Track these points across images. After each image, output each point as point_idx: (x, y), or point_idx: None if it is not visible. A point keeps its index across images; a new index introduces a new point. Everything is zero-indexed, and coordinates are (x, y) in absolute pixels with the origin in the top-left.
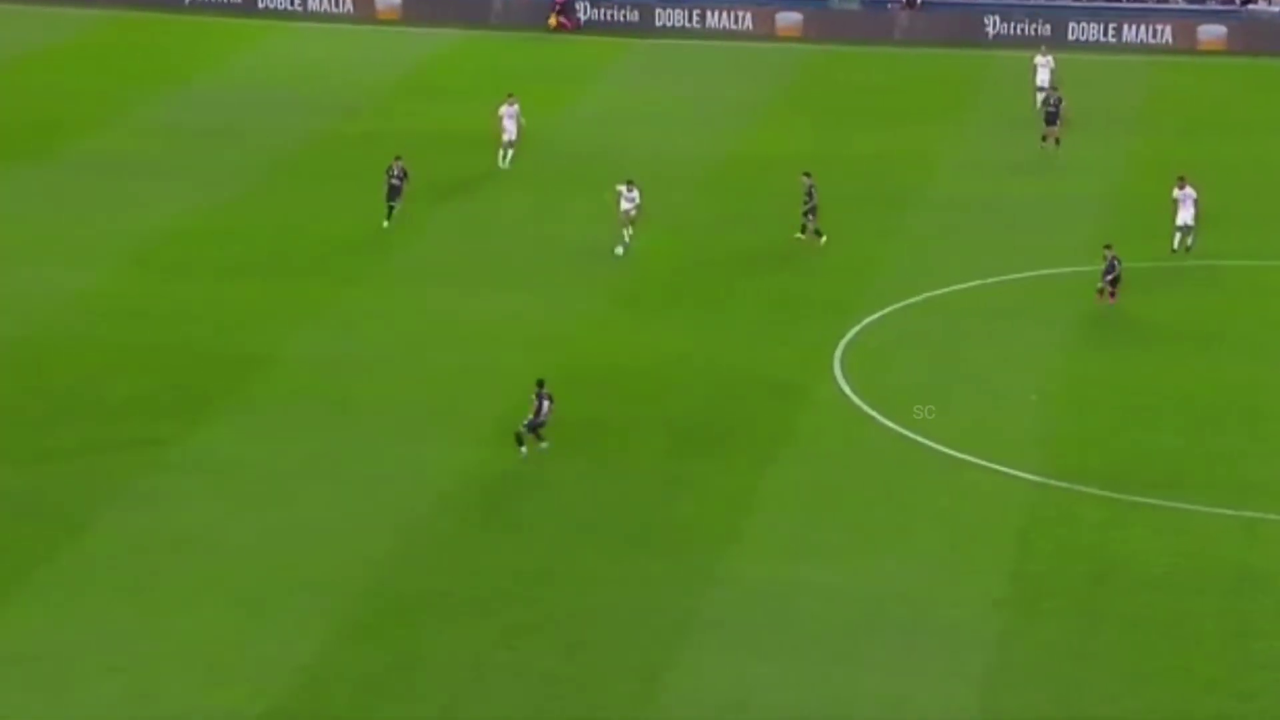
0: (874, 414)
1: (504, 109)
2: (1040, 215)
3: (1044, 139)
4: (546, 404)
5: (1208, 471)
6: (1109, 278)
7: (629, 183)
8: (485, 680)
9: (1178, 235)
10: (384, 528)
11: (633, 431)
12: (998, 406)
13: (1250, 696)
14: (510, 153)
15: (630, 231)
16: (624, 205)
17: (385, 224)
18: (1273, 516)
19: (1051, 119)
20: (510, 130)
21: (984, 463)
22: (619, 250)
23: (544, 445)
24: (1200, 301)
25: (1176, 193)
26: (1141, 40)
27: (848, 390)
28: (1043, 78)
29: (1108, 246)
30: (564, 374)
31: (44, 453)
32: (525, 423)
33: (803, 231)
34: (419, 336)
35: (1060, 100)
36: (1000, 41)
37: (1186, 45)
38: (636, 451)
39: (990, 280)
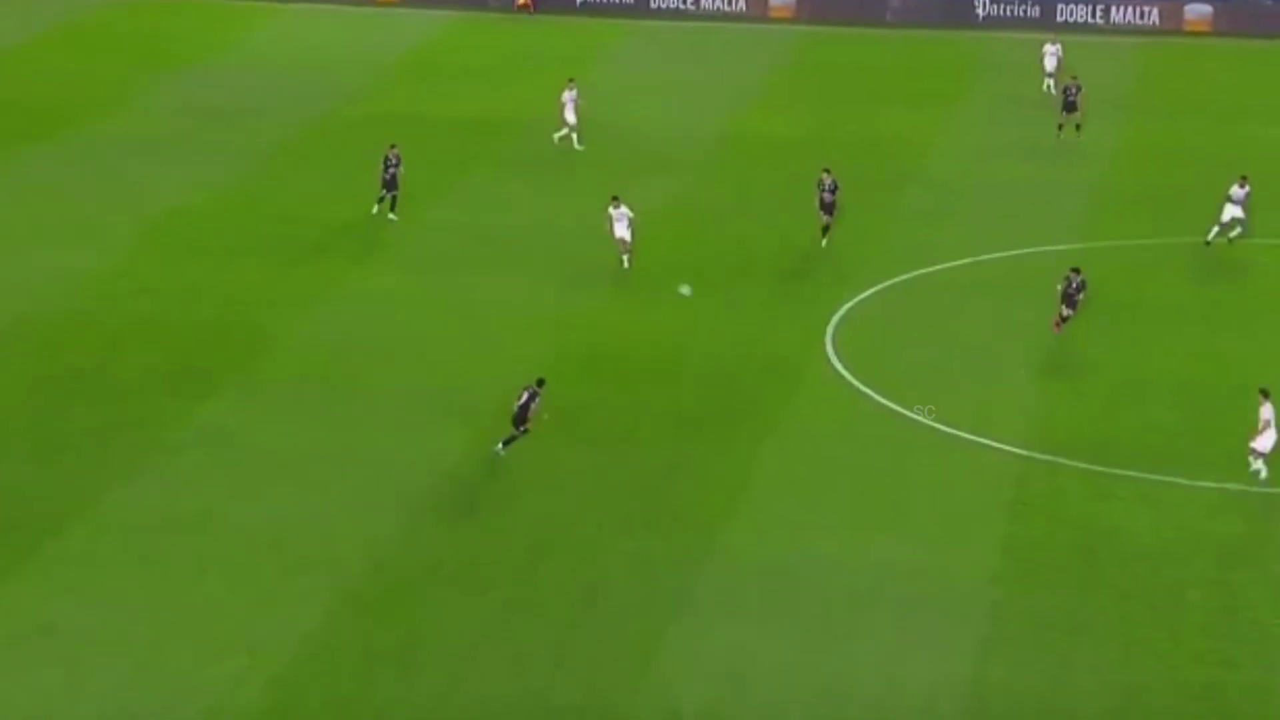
0: (867, 390)
1: (565, 94)
2: (1032, 196)
3: (1061, 126)
4: (525, 395)
5: (1196, 446)
6: (1070, 310)
7: (615, 199)
8: (486, 656)
9: (1216, 229)
10: (387, 506)
11: (631, 413)
12: (988, 382)
13: (1236, 665)
14: (574, 135)
15: (628, 258)
16: (617, 232)
17: (374, 211)
18: (1255, 490)
19: (1071, 106)
20: (569, 114)
21: (975, 438)
22: (625, 263)
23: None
24: (1190, 280)
25: (1236, 190)
26: (1129, 21)
27: (840, 368)
28: (1050, 65)
29: (1075, 270)
30: (564, 357)
31: (54, 430)
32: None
33: (824, 233)
34: (423, 319)
35: (1080, 89)
36: (991, 23)
37: (1173, 26)
38: (635, 432)
39: (982, 258)
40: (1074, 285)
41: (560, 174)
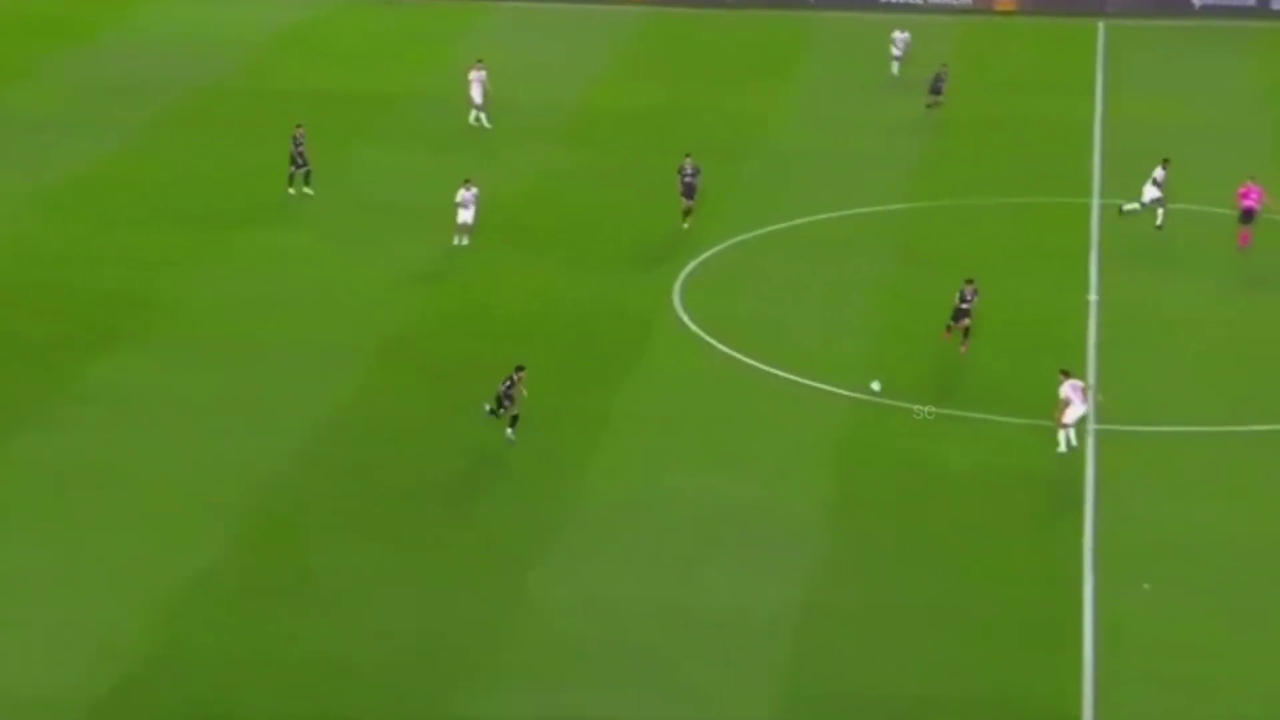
0: (712, 340)
1: (472, 73)
2: (862, 164)
3: (929, 106)
4: (507, 382)
5: (1016, 387)
6: (964, 321)
7: (467, 181)
8: (373, 593)
9: (1161, 212)
10: (278, 454)
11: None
12: (826, 331)
13: (1050, 584)
14: (482, 115)
15: (466, 240)
16: (461, 215)
17: (290, 190)
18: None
19: (937, 89)
20: (477, 93)
21: (814, 383)
22: (459, 241)
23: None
24: (1009, 236)
25: (1158, 172)
26: (945, 2)
27: (687, 320)
28: (898, 50)
29: (969, 281)
30: (437, 315)
31: None
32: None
33: (685, 215)
34: (312, 280)
35: (946, 74)
36: (823, 4)
37: (984, 6)
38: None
39: (817, 218)
40: (967, 295)
41: (433, 144)
